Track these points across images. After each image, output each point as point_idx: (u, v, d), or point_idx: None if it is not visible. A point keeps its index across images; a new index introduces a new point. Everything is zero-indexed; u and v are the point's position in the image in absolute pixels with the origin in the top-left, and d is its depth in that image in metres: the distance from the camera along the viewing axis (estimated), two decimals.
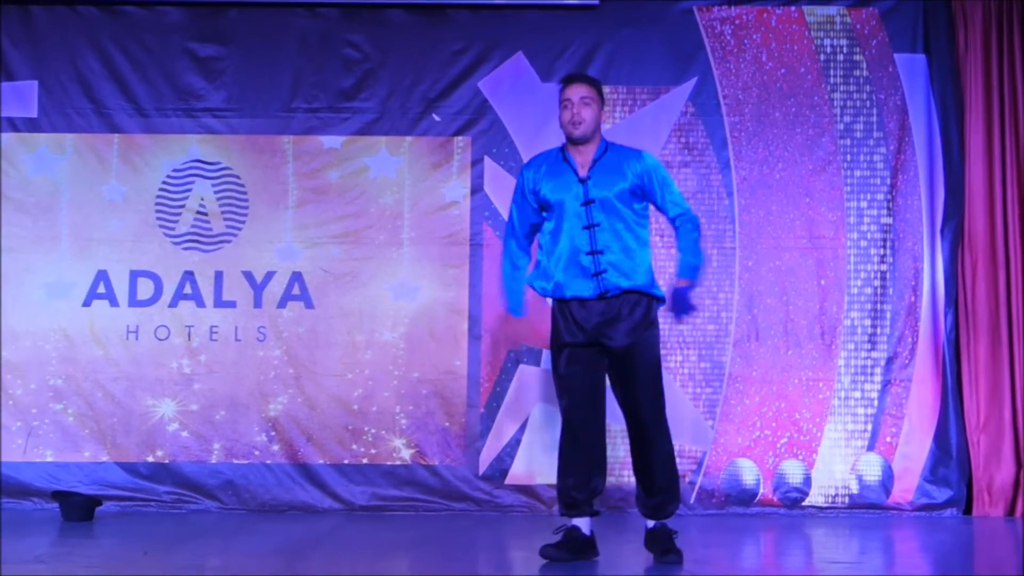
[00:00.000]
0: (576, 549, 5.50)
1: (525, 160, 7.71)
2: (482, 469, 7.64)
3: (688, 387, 7.68)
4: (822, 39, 7.86)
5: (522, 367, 7.70)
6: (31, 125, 7.82)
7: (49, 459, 7.60)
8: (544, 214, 5.57)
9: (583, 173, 5.46)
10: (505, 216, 7.69)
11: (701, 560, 5.71)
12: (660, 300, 5.63)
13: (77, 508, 7.05)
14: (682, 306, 5.60)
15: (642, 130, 7.80)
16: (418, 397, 7.69)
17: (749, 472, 7.60)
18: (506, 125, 7.85)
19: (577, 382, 5.47)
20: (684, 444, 7.60)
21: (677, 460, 5.76)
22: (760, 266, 7.74)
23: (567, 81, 5.51)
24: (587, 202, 5.43)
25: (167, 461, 7.64)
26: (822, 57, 7.84)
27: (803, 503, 7.58)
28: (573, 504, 5.51)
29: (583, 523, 5.55)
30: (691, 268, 5.57)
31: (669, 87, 7.85)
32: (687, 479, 7.58)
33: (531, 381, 7.69)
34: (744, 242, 7.75)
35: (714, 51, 7.85)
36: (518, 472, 7.64)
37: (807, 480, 7.59)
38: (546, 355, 7.68)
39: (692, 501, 7.56)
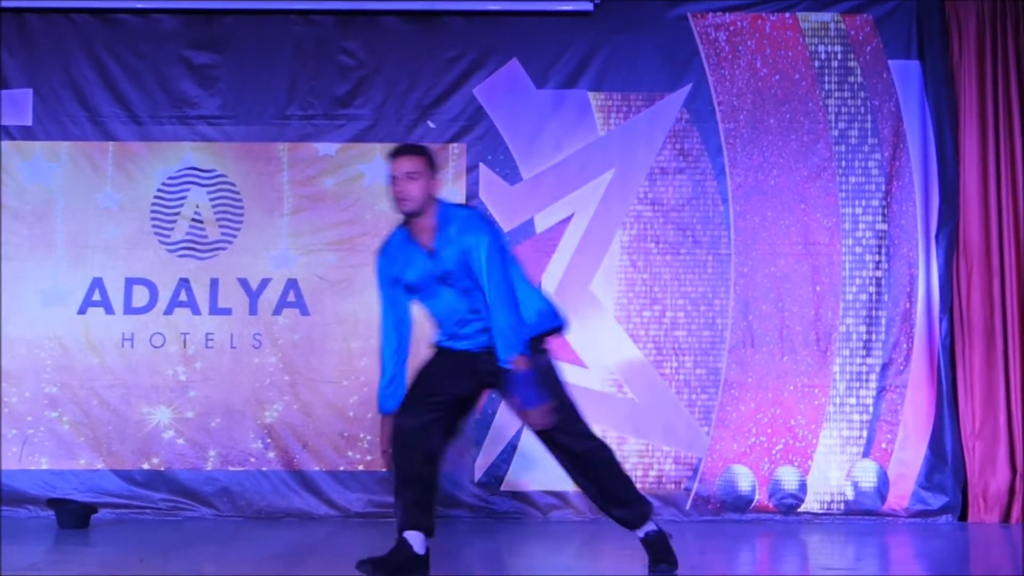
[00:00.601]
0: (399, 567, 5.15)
1: (520, 167, 7.75)
2: (477, 475, 7.64)
3: (683, 393, 7.69)
4: (816, 45, 7.87)
5: None
6: (26, 133, 7.81)
7: (44, 467, 7.59)
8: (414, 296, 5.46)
9: (430, 246, 5.27)
10: (501, 224, 7.73)
11: (697, 566, 5.71)
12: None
13: (73, 516, 7.04)
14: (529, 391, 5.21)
15: (637, 136, 7.82)
16: None
17: (745, 478, 7.60)
18: (501, 132, 7.86)
19: None
20: (679, 450, 7.61)
21: (623, 463, 5.71)
22: (755, 272, 7.75)
23: (393, 154, 5.26)
24: (441, 278, 5.30)
25: (163, 468, 7.63)
26: (816, 63, 7.86)
27: (799, 509, 7.58)
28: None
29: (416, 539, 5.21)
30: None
31: (664, 93, 7.86)
32: (683, 485, 7.59)
33: None
34: (739, 248, 7.76)
35: (708, 57, 7.87)
36: (513, 478, 7.64)
37: (802, 486, 7.59)
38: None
39: (688, 507, 7.56)
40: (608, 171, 7.83)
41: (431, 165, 5.27)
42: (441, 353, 5.45)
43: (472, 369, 5.36)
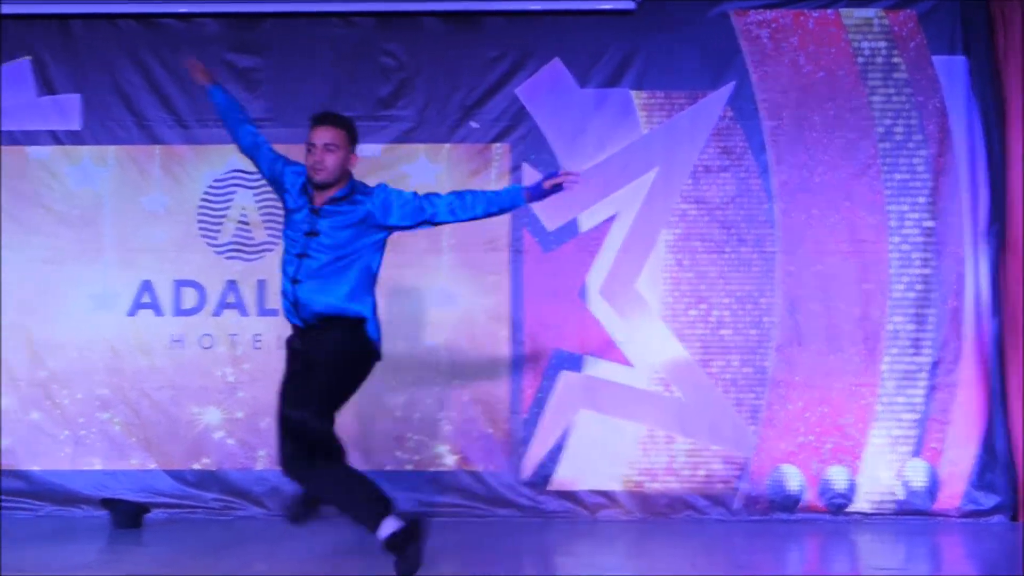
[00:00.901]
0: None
1: (563, 166, 7.74)
2: (525, 475, 7.66)
3: (730, 392, 7.67)
4: (860, 42, 7.84)
5: (564, 373, 7.70)
6: (74, 138, 7.88)
7: (97, 467, 7.66)
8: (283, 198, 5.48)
9: (318, 205, 5.32)
10: (544, 223, 7.75)
11: (746, 566, 5.70)
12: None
13: (126, 515, 7.11)
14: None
15: (679, 135, 7.81)
16: (461, 404, 7.71)
17: (793, 478, 7.57)
18: (544, 132, 7.87)
19: None
20: (727, 450, 7.60)
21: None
22: (802, 270, 7.72)
23: (314, 121, 5.30)
24: (310, 232, 5.31)
25: (213, 468, 7.68)
26: (860, 60, 7.82)
27: (848, 509, 7.54)
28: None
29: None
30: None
31: (706, 91, 7.84)
32: (731, 485, 7.57)
33: (573, 387, 7.69)
34: (785, 246, 7.74)
35: (751, 55, 7.84)
36: (561, 478, 7.65)
37: (852, 486, 7.56)
38: (588, 361, 7.70)
39: (736, 507, 7.55)
40: (652, 170, 7.82)
41: (351, 138, 5.30)
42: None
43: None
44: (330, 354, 5.22)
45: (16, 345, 7.71)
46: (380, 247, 5.40)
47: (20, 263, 7.80)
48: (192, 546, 6.26)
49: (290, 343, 5.42)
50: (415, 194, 5.42)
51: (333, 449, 5.18)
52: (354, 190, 5.36)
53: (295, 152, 7.76)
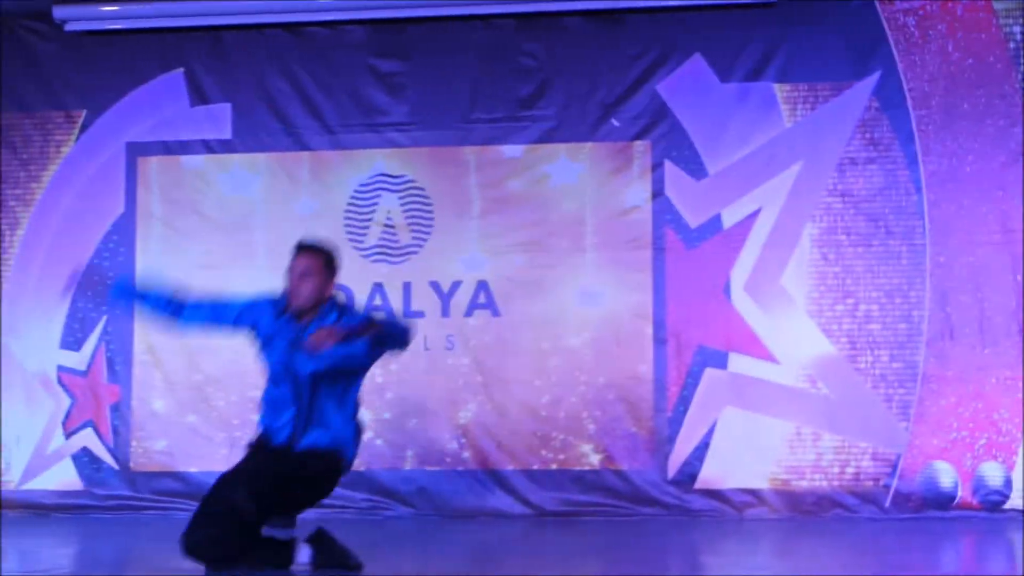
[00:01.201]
0: None
1: (706, 162, 7.71)
2: (671, 473, 7.63)
3: (880, 388, 7.53)
4: (1011, 26, 7.61)
5: (708, 371, 7.66)
6: (225, 146, 8.11)
7: None
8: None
9: (303, 326, 5.14)
10: (687, 219, 7.70)
11: (899, 566, 5.59)
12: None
13: None
14: None
15: (824, 127, 7.69)
16: (605, 402, 7.72)
17: (946, 475, 7.40)
18: (686, 128, 7.83)
19: None
20: (877, 446, 7.47)
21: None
22: (952, 262, 7.53)
23: (295, 249, 5.19)
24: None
25: (363, 468, 7.82)
26: (1011, 45, 7.60)
27: (1004, 506, 7.35)
28: None
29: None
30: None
31: (851, 82, 7.71)
32: (881, 482, 7.44)
33: (718, 384, 7.64)
34: (935, 238, 7.56)
35: (898, 43, 7.68)
36: (708, 476, 7.60)
37: (1007, 482, 7.36)
38: (733, 357, 7.64)
39: (887, 505, 7.41)
40: (796, 163, 7.72)
41: (329, 266, 5.17)
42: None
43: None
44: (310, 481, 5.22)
45: (173, 350, 7.96)
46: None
47: (178, 269, 8.03)
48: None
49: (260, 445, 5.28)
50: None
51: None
52: (342, 315, 5.19)
53: (441, 154, 7.93)
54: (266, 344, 5.22)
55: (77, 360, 8.04)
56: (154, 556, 5.48)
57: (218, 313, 5.29)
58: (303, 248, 5.21)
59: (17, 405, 8.05)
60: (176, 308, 5.26)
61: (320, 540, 5.17)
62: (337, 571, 5.06)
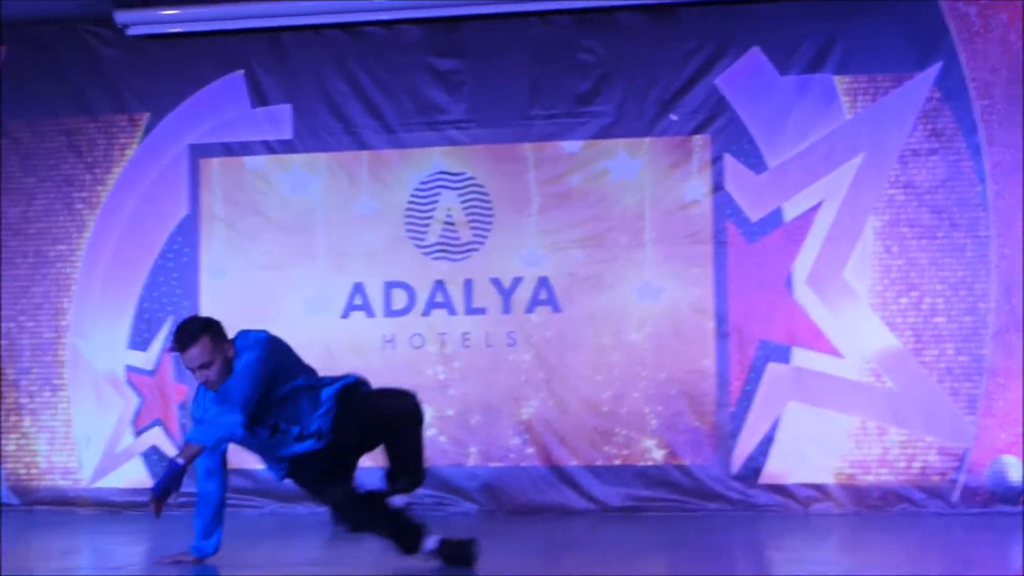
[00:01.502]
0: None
1: (766, 156, 7.67)
2: (735, 468, 7.61)
3: (946, 381, 7.46)
4: None
5: (771, 365, 7.63)
6: (286, 147, 8.18)
7: None
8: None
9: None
10: (748, 213, 7.68)
11: (968, 562, 5.55)
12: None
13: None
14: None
15: (886, 119, 7.63)
16: (667, 397, 7.72)
17: (1015, 469, 7.32)
18: (745, 121, 7.79)
19: None
20: (943, 441, 7.41)
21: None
22: (1018, 253, 7.44)
23: (175, 347, 5.15)
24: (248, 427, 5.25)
25: (427, 465, 7.85)
26: None
27: None
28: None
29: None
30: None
31: (912, 72, 7.65)
32: (948, 477, 7.38)
33: (781, 378, 7.61)
34: (1000, 229, 7.48)
35: (959, 33, 7.60)
36: (772, 471, 7.58)
37: None
38: (796, 352, 7.61)
39: (955, 499, 7.35)
40: (857, 155, 7.67)
41: (216, 339, 5.14)
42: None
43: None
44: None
45: None
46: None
47: (241, 269, 8.15)
48: None
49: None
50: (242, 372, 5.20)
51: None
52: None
53: (500, 151, 7.95)
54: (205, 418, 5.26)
55: (144, 360, 8.16)
56: (222, 552, 5.55)
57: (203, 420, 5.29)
58: (179, 344, 5.11)
59: (87, 405, 8.18)
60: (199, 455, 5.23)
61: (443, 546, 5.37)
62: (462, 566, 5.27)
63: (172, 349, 5.16)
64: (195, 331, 5.11)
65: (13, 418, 8.22)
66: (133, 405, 8.13)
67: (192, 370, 5.14)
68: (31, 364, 8.25)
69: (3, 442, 8.21)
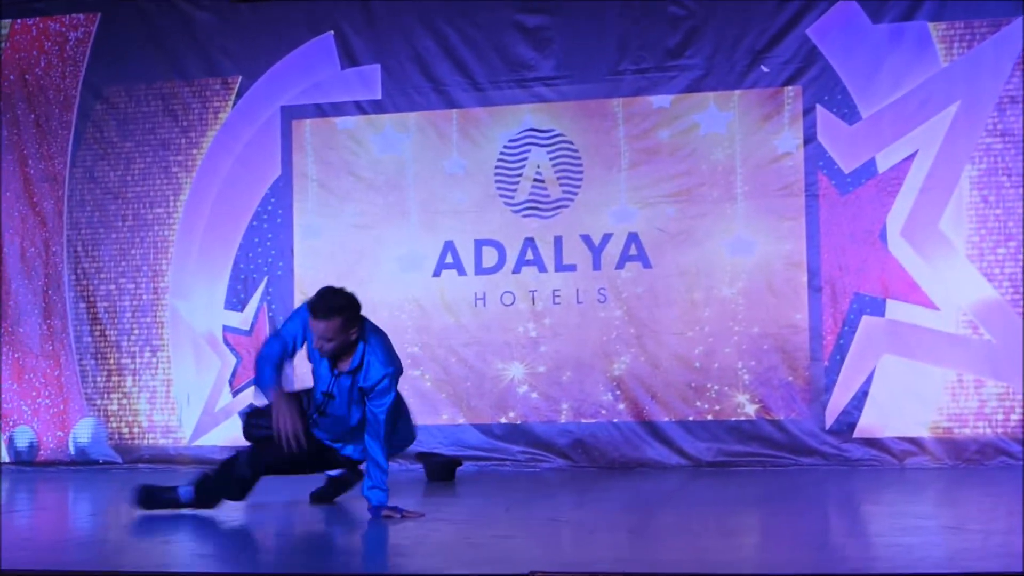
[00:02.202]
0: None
1: (859, 106, 7.56)
2: (828, 423, 7.57)
3: None
4: None
5: (866, 318, 7.55)
6: (376, 107, 8.23)
7: None
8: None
9: (339, 370, 5.45)
10: (841, 165, 7.58)
11: None
12: None
13: (440, 468, 7.43)
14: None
15: (982, 65, 7.48)
16: (759, 352, 7.68)
17: None
18: (837, 71, 7.69)
19: None
20: None
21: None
22: None
23: (313, 312, 5.35)
24: (327, 393, 5.49)
25: (519, 422, 7.94)
26: None
27: None
28: None
29: None
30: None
31: (1010, 18, 7.47)
32: None
33: (876, 332, 7.54)
34: None
35: None
36: (866, 425, 7.52)
37: None
38: (891, 304, 7.52)
39: None
40: (953, 104, 7.53)
41: (348, 321, 5.35)
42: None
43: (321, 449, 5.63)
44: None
45: None
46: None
47: (335, 229, 8.24)
48: (504, 497, 6.49)
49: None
50: (385, 411, 5.44)
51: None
52: (364, 357, 5.44)
53: (588, 107, 7.93)
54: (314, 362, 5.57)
55: (241, 320, 8.31)
56: (317, 509, 5.68)
57: (287, 344, 5.56)
58: (316, 313, 5.35)
59: (186, 365, 8.36)
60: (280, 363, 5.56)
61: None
62: None
63: (309, 308, 5.38)
64: (333, 308, 5.36)
65: (115, 378, 8.44)
66: (230, 365, 8.29)
67: (315, 334, 5.36)
68: (132, 325, 8.45)
69: (106, 402, 8.43)
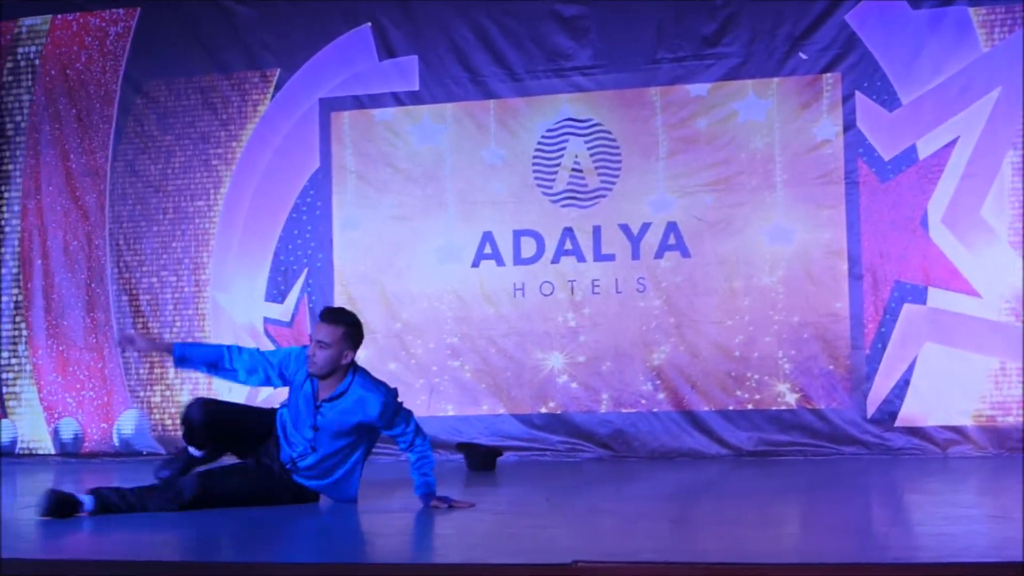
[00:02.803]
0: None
1: (899, 92, 7.51)
2: (870, 412, 7.53)
3: None
4: None
5: (907, 306, 7.51)
6: (414, 98, 8.25)
7: (451, 413, 8.07)
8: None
9: (320, 402, 5.33)
10: (881, 152, 7.53)
11: None
12: None
13: (480, 458, 7.45)
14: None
15: None
16: (800, 341, 7.65)
17: None
18: (877, 58, 7.64)
19: None
20: None
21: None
22: None
23: (320, 317, 5.36)
24: (314, 427, 5.34)
25: (559, 412, 7.95)
26: None
27: None
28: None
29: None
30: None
31: None
32: None
33: (918, 319, 7.49)
34: None
35: None
36: (908, 413, 7.48)
37: None
38: (932, 292, 7.47)
39: None
40: (994, 89, 7.48)
41: (349, 338, 5.27)
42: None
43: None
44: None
45: (372, 300, 8.19)
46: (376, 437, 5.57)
47: (373, 221, 8.27)
48: (544, 487, 6.50)
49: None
50: (412, 430, 5.43)
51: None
52: (352, 385, 5.36)
53: (626, 96, 7.91)
54: (290, 393, 5.46)
55: (281, 312, 8.36)
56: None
57: (257, 361, 5.47)
58: (324, 316, 5.36)
59: None
60: (219, 356, 5.48)
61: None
62: None
63: (321, 318, 5.37)
64: (340, 318, 5.37)
65: (158, 370, 8.51)
66: None
67: (313, 340, 5.32)
68: (174, 317, 8.51)
69: (149, 393, 8.50)
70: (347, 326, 5.32)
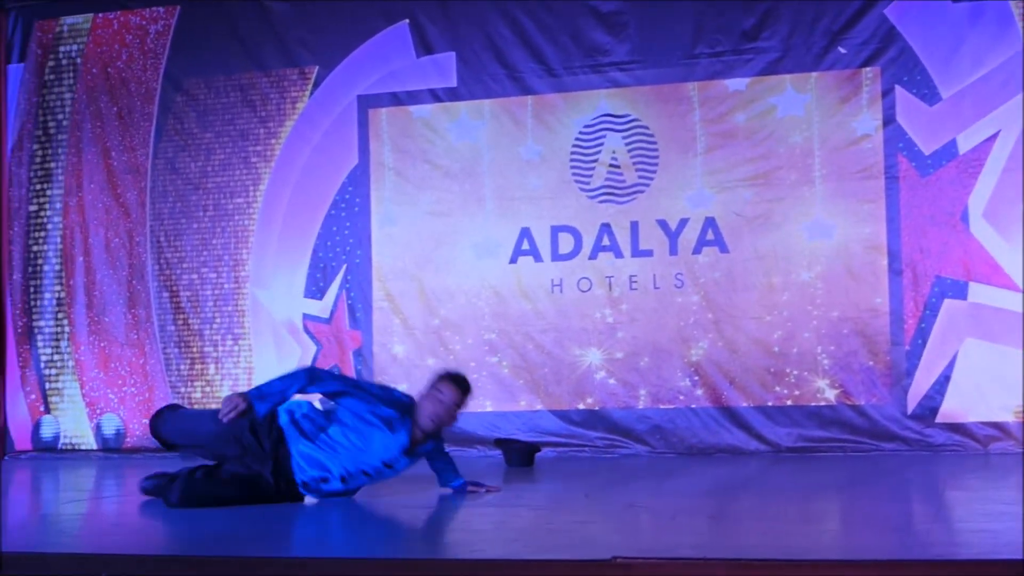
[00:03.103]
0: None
1: (939, 86, 7.46)
2: (910, 408, 7.49)
3: None
4: None
5: (948, 301, 7.46)
6: (451, 94, 8.27)
7: (489, 409, 8.09)
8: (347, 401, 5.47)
9: (414, 445, 5.44)
10: (921, 146, 7.48)
11: None
12: None
13: (519, 454, 7.46)
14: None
15: None
16: (839, 336, 7.62)
17: None
18: (916, 51, 7.59)
19: None
20: None
21: None
22: None
23: (449, 379, 5.43)
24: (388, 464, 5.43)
25: (597, 408, 7.95)
26: None
27: None
28: None
29: None
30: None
31: None
32: None
33: (958, 315, 7.45)
34: None
35: None
36: (949, 409, 7.44)
37: None
38: (973, 287, 7.42)
39: None
40: None
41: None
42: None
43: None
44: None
45: (411, 296, 8.22)
46: None
47: (411, 217, 8.29)
48: (583, 483, 6.49)
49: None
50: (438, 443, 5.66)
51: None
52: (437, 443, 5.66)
53: (664, 91, 7.90)
54: (356, 426, 5.43)
55: (320, 308, 8.40)
56: (394, 493, 5.74)
57: (354, 386, 5.57)
58: (459, 384, 5.45)
59: (267, 352, 8.47)
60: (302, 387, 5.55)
61: None
62: None
63: (457, 385, 5.45)
64: (469, 385, 5.52)
65: (198, 366, 8.57)
66: (311, 352, 8.39)
67: (444, 402, 5.39)
68: (214, 314, 8.57)
69: (190, 389, 8.56)
70: (470, 392, 5.53)
